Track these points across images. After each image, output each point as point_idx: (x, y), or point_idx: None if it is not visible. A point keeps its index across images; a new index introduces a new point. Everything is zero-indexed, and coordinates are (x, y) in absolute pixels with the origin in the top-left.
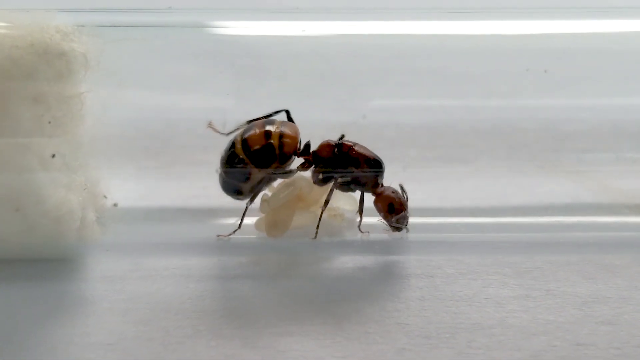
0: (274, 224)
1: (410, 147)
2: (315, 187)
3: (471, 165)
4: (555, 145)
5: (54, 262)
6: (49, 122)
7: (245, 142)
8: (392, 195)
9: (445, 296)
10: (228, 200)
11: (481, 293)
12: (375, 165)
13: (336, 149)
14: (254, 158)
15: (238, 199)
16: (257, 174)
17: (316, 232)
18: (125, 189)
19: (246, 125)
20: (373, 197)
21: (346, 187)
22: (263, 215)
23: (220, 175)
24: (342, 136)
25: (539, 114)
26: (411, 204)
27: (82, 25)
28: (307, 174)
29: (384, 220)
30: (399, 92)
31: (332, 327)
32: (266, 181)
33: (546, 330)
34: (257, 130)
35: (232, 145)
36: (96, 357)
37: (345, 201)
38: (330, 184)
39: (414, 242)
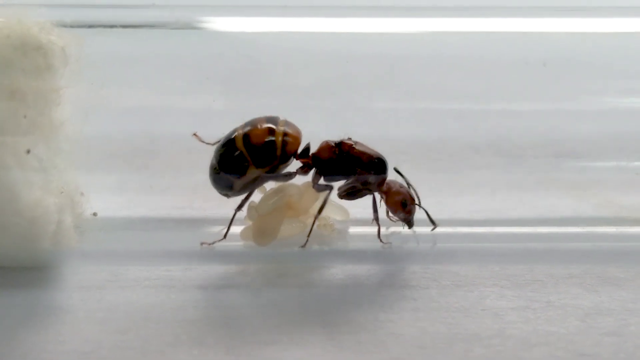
0: (262, 232)
1: (403, 161)
2: (305, 195)
3: (468, 179)
4: (555, 159)
5: (27, 270)
6: (25, 117)
7: (247, 136)
8: (401, 190)
9: (441, 307)
10: (213, 210)
11: (478, 304)
12: (378, 163)
13: (336, 150)
14: (254, 154)
15: (226, 195)
16: (253, 171)
17: (307, 241)
18: (105, 199)
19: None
20: (382, 197)
21: (352, 192)
22: (249, 224)
23: (214, 168)
24: (349, 138)
25: (538, 124)
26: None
27: (62, 21)
28: (297, 181)
29: (395, 217)
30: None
31: (321, 336)
32: (260, 182)
33: (548, 342)
34: (261, 126)
35: (232, 139)
36: None
37: (335, 211)
38: (327, 191)
39: (407, 252)
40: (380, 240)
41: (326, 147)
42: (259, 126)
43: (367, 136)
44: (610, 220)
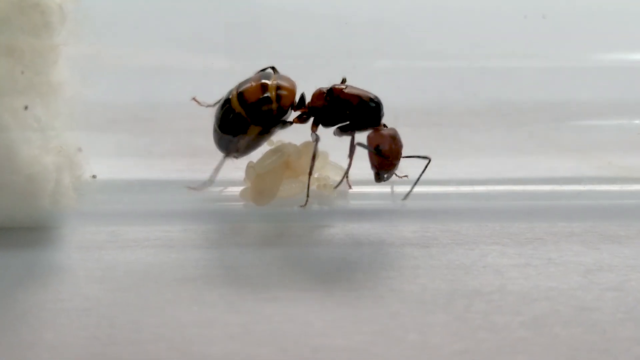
0: (260, 192)
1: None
2: (304, 154)
3: (468, 143)
4: (554, 122)
5: (27, 230)
6: (22, 73)
7: (241, 95)
8: (386, 135)
9: (441, 265)
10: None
11: (479, 262)
12: (371, 104)
13: (327, 96)
14: (251, 112)
15: (234, 157)
16: (254, 128)
17: (306, 200)
18: (105, 163)
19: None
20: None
21: (346, 131)
22: (248, 184)
23: (215, 131)
24: (344, 80)
25: (537, 84)
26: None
27: None
28: (298, 139)
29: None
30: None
31: (321, 293)
32: (262, 136)
33: (548, 296)
34: (253, 84)
35: (228, 100)
36: (70, 322)
37: (335, 172)
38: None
39: (407, 210)
40: (348, 184)
41: (318, 94)
42: (252, 84)
43: None
44: (611, 179)
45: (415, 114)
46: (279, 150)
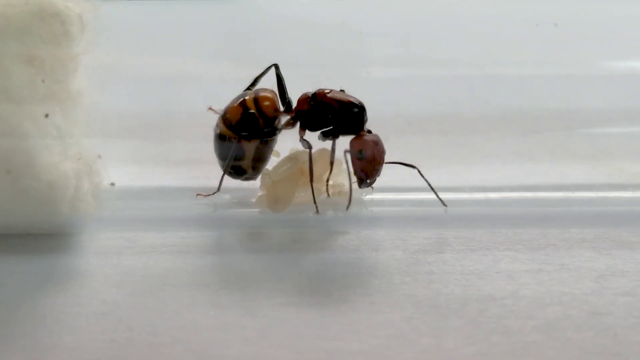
0: (276, 199)
1: (414, 133)
2: (319, 162)
3: (480, 151)
4: (565, 130)
5: (47, 237)
6: (43, 81)
7: (226, 119)
8: (370, 143)
9: (455, 270)
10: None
11: (492, 267)
12: (353, 109)
13: (311, 100)
14: (239, 131)
15: (246, 179)
16: (249, 145)
17: (316, 207)
18: (122, 170)
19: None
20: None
21: (328, 135)
22: (264, 192)
23: (220, 165)
24: (342, 90)
25: (548, 92)
26: (416, 183)
27: None
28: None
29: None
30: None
31: (336, 298)
32: (263, 149)
33: (561, 301)
34: (233, 104)
35: (217, 128)
36: (88, 326)
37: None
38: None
39: (421, 217)
40: (328, 188)
41: (303, 99)
42: (232, 105)
43: (379, 110)
44: (622, 186)
45: (428, 121)
46: (294, 157)
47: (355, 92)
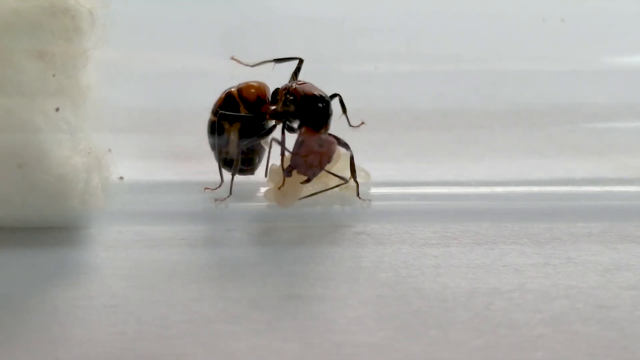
0: (284, 194)
1: (420, 128)
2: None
3: (486, 146)
4: (573, 125)
5: (57, 230)
6: (53, 76)
7: (214, 107)
8: (319, 140)
9: (462, 264)
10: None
11: (499, 261)
12: (316, 102)
13: (288, 95)
14: (225, 117)
15: (242, 172)
16: (231, 130)
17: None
18: (131, 164)
19: None
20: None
21: (291, 129)
22: (272, 186)
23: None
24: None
25: (554, 87)
26: (423, 177)
27: None
28: None
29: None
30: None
31: (343, 291)
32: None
33: (568, 295)
34: (219, 96)
35: (209, 122)
36: (99, 319)
37: (357, 173)
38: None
39: (428, 211)
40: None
41: (281, 90)
42: (219, 97)
43: (385, 105)
44: (628, 180)
45: (434, 117)
46: None
47: (363, 88)
